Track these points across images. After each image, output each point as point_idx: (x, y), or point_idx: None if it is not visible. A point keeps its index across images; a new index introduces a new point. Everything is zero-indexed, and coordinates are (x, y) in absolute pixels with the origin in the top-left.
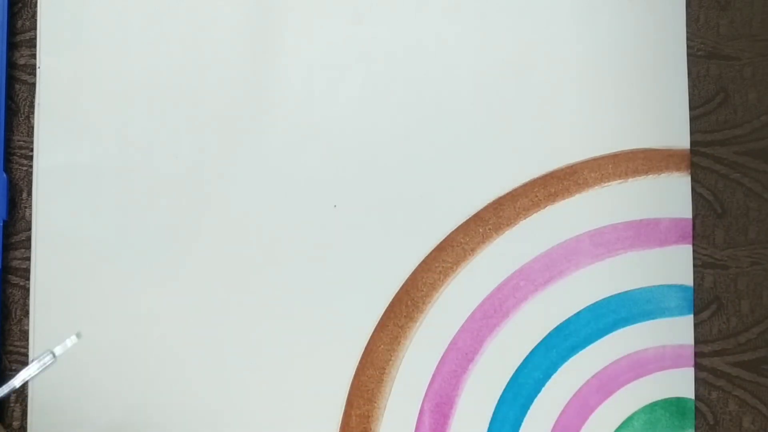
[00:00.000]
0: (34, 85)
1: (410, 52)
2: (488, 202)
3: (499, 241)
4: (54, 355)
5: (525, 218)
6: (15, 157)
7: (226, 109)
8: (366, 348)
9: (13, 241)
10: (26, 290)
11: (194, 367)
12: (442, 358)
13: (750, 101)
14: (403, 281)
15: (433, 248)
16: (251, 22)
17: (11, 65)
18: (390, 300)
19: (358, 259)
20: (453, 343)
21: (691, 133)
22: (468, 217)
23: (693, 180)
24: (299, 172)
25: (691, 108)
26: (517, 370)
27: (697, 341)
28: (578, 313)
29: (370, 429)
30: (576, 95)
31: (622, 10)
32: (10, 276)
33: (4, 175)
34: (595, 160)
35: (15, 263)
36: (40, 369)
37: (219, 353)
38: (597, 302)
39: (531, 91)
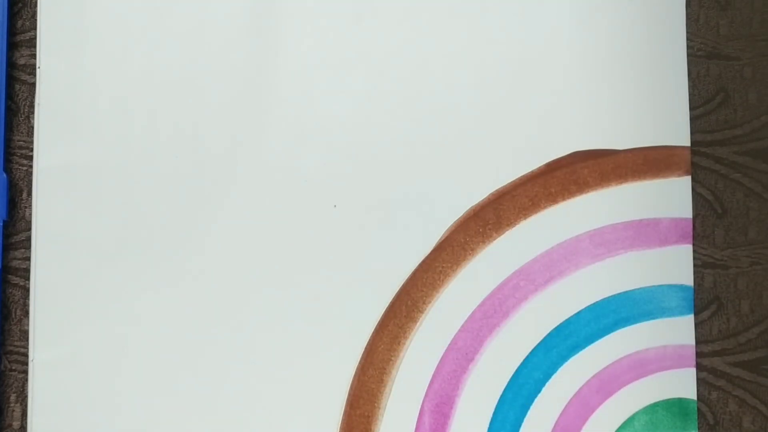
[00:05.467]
0: (34, 85)
1: (410, 52)
2: (488, 202)
3: (499, 241)
4: None
5: (525, 218)
6: (15, 157)
7: (226, 109)
8: (366, 348)
9: (13, 241)
10: (26, 290)
11: (194, 367)
12: (442, 358)
13: (750, 101)
14: (403, 281)
15: (432, 248)
16: (251, 22)
17: (11, 65)
18: (390, 300)
19: (358, 259)
20: (453, 343)
21: (691, 133)
22: (468, 217)
23: (693, 180)
24: (299, 172)
25: (691, 108)
26: (517, 370)
27: (697, 341)
28: (578, 313)
29: (371, 429)
30: (576, 95)
31: (621, 9)
32: (10, 276)
33: (4, 175)
34: (595, 160)
35: (15, 263)
36: None
37: (219, 353)
38: (597, 302)
39: (531, 91)
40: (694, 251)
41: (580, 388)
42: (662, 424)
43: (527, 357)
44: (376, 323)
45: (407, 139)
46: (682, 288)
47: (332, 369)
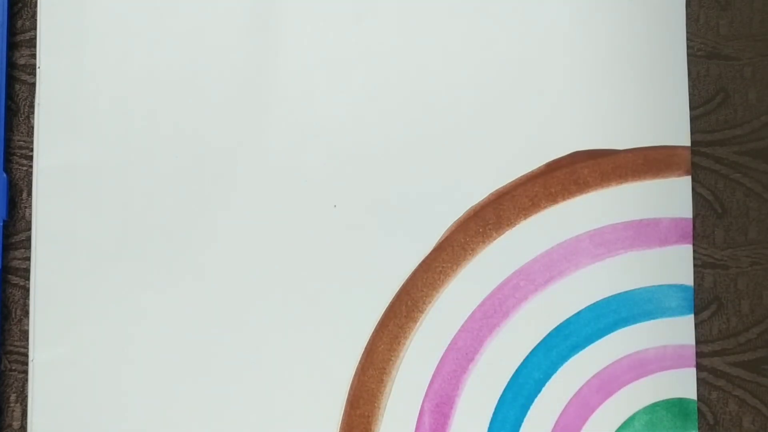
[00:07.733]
0: (34, 85)
1: (410, 52)
2: (488, 202)
3: (499, 241)
4: None
5: (525, 218)
6: (15, 157)
7: (226, 109)
8: (366, 348)
9: (13, 241)
10: (26, 290)
11: (194, 367)
12: (442, 358)
13: (750, 101)
14: (403, 281)
15: (432, 248)
16: (251, 22)
17: (11, 65)
18: (390, 300)
19: (358, 259)
20: (453, 343)
21: (691, 133)
22: (468, 217)
23: (693, 180)
24: (299, 172)
25: (691, 108)
26: (517, 370)
27: (697, 341)
28: (578, 313)
29: (371, 429)
30: (576, 95)
31: (621, 9)
32: (10, 276)
33: (4, 175)
34: (595, 160)
35: (15, 263)
36: None
37: (218, 353)
38: (597, 302)
39: (531, 91)
40: (694, 251)
41: (580, 388)
42: (662, 424)
43: (527, 357)
44: (376, 323)
45: (407, 140)
46: (682, 288)
47: (332, 369)
